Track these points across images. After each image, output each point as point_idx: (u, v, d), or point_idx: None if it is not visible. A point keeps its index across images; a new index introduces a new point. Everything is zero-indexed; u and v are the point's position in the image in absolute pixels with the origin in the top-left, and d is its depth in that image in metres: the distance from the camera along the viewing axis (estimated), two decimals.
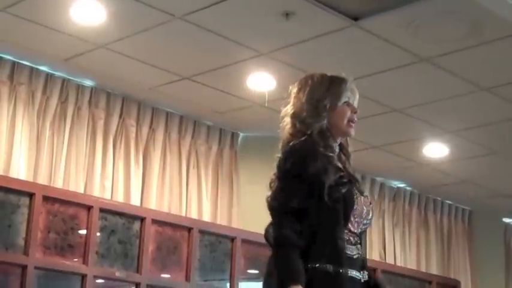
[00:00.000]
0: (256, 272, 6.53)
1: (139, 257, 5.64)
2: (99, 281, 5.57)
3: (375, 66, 6.00)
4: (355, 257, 2.92)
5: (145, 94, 6.71)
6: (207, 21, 5.41)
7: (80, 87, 6.52)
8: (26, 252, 5.11)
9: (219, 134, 7.42)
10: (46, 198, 5.27)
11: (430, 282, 8.08)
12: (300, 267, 2.76)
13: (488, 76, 6.12)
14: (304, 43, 5.64)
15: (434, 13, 5.14)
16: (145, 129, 6.89)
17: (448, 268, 9.27)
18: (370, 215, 3.03)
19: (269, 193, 3.07)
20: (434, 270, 8.96)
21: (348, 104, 3.08)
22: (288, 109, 3.12)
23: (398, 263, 8.53)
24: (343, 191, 2.91)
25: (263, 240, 6.86)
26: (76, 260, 5.36)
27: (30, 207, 5.17)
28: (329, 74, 3.12)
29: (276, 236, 2.87)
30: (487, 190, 8.94)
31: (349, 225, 2.93)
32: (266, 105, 6.57)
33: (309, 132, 2.99)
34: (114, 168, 6.62)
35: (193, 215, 6.94)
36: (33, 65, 6.23)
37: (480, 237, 9.72)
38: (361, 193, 3.03)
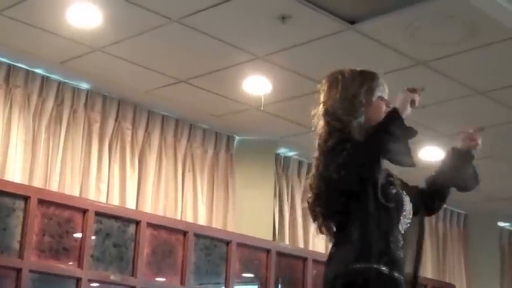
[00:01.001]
0: (251, 275, 6.52)
1: (135, 261, 5.62)
2: (94, 284, 5.55)
3: (371, 69, 5.99)
4: (400, 259, 2.85)
5: (141, 97, 6.71)
6: (203, 25, 5.40)
7: (75, 90, 6.51)
8: (20, 255, 5.09)
9: (214, 137, 7.42)
10: (41, 202, 5.24)
11: (425, 286, 8.06)
12: None
13: (484, 80, 6.13)
14: (300, 47, 5.64)
15: (430, 17, 5.15)
16: (141, 133, 6.89)
17: (443, 272, 9.27)
18: (411, 213, 2.97)
19: (310, 194, 2.94)
20: (429, 274, 8.95)
21: (381, 98, 3.03)
22: (320, 107, 3.03)
23: None
24: (394, 191, 2.87)
25: (258, 244, 6.88)
26: (71, 263, 5.34)
27: (25, 210, 5.15)
28: (358, 69, 3.08)
29: (376, 135, 2.77)
30: (483, 194, 8.93)
31: (399, 226, 2.88)
32: (262, 108, 6.57)
33: (347, 129, 2.90)
34: (110, 172, 6.61)
35: (189, 218, 6.93)
36: (29, 68, 6.22)
37: (475, 241, 9.72)
38: (405, 192, 2.97)
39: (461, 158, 3.14)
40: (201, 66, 6.09)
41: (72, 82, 6.46)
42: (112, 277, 5.50)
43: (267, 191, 7.61)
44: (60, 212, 5.34)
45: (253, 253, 6.40)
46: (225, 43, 5.64)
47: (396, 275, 2.77)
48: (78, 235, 5.40)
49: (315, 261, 6.82)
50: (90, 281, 5.42)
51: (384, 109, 2.99)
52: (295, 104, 6.69)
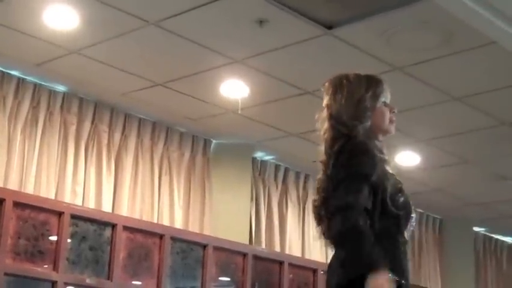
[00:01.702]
0: (228, 279, 6.52)
1: (110, 264, 5.60)
2: (70, 287, 5.53)
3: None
4: (409, 268, 2.85)
5: (117, 100, 6.69)
6: (180, 28, 5.40)
7: (52, 93, 6.48)
8: None
9: (191, 140, 7.41)
10: (16, 204, 5.22)
11: None
12: (381, 255, 2.64)
13: (460, 85, 6.17)
14: (278, 51, 5.65)
15: (407, 23, 5.18)
16: (117, 135, 6.87)
17: (418, 276, 9.31)
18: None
19: (317, 197, 2.92)
20: None
21: (385, 104, 3.02)
22: (324, 111, 3.00)
23: None
24: (402, 198, 2.85)
25: (235, 248, 6.88)
26: (46, 266, 5.32)
27: (1, 213, 5.12)
28: (362, 73, 3.07)
29: (347, 230, 2.65)
30: (458, 199, 9.01)
31: (405, 232, 2.86)
32: (239, 112, 6.58)
33: (352, 134, 2.88)
34: (86, 174, 6.59)
35: (165, 221, 6.92)
36: (5, 70, 6.18)
37: (450, 245, 9.78)
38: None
39: None
40: (178, 70, 6.08)
41: (48, 84, 6.43)
42: (88, 280, 5.48)
43: (243, 194, 7.62)
44: (36, 214, 5.32)
45: (230, 257, 6.41)
46: (203, 46, 5.64)
47: (404, 282, 2.75)
48: (54, 238, 5.38)
49: (291, 264, 6.84)
50: (66, 284, 5.40)
51: (388, 115, 3.01)
52: (272, 108, 6.71)
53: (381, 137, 3.00)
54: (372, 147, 2.85)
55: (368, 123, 2.92)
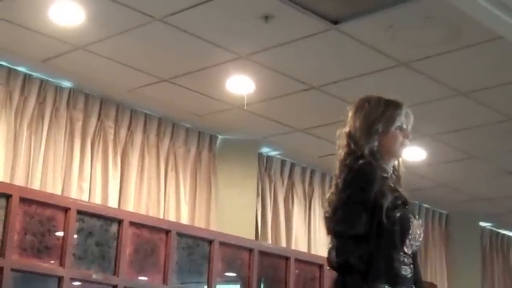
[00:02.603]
0: (234, 274, 6.52)
1: (117, 260, 5.61)
2: (76, 283, 5.53)
3: (353, 69, 6.02)
4: (409, 276, 3.03)
5: (123, 96, 6.69)
6: (186, 24, 5.40)
7: (58, 89, 6.49)
8: (2, 254, 5.07)
9: (197, 136, 7.41)
10: (23, 200, 5.22)
11: None
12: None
13: (466, 81, 6.16)
14: (283, 46, 5.65)
15: (413, 17, 5.17)
16: (123, 131, 6.87)
17: (424, 271, 9.30)
18: (421, 236, 3.15)
19: (328, 209, 3.10)
20: None
21: (400, 128, 3.19)
22: (344, 129, 3.20)
23: None
24: (399, 214, 3.00)
25: (241, 243, 6.88)
26: (53, 262, 5.32)
27: (7, 208, 5.13)
28: (386, 97, 3.23)
29: (342, 263, 2.93)
30: (464, 194, 8.99)
31: (404, 247, 3.04)
32: (245, 108, 6.58)
33: (359, 153, 3.08)
34: (92, 170, 6.60)
35: (171, 217, 6.93)
36: (11, 66, 6.19)
37: (457, 240, 9.77)
38: (414, 215, 3.13)
39: None
40: (184, 65, 6.08)
41: (54, 80, 6.44)
42: (94, 276, 5.49)
43: (249, 190, 7.62)
44: (42, 210, 5.32)
45: (236, 252, 6.40)
46: (208, 42, 5.64)
47: None
48: (60, 234, 5.38)
49: (298, 260, 6.83)
50: (72, 279, 5.41)
51: (400, 140, 3.18)
52: (278, 103, 6.71)
53: (391, 161, 3.20)
54: (374, 168, 3.04)
55: (375, 144, 3.11)
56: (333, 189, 3.11)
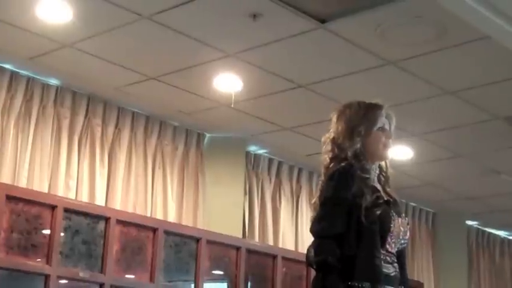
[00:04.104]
0: (221, 273, 6.52)
1: (104, 258, 5.60)
2: (63, 281, 5.52)
3: (341, 68, 6.03)
4: (392, 274, 3.08)
5: (111, 94, 6.68)
6: (174, 22, 5.40)
7: (45, 86, 6.47)
8: None
9: (185, 134, 7.41)
10: (10, 198, 5.21)
11: None
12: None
13: (453, 80, 6.18)
14: (271, 45, 5.65)
15: (400, 17, 5.18)
16: (111, 129, 6.86)
17: (411, 269, 9.33)
18: (407, 235, 3.19)
19: (314, 213, 3.20)
20: None
21: (382, 129, 3.26)
22: (328, 135, 3.28)
23: None
24: (378, 212, 3.05)
25: (228, 241, 6.88)
26: (39, 260, 5.31)
27: None
28: (367, 102, 3.31)
29: (319, 262, 3.00)
30: (451, 193, 9.03)
31: (387, 245, 3.09)
32: (232, 106, 6.58)
33: (343, 156, 3.16)
34: (79, 168, 6.58)
35: (159, 215, 6.93)
36: None
37: (443, 239, 9.80)
38: (399, 214, 3.18)
39: None
40: (171, 63, 6.08)
41: (41, 78, 6.42)
42: (81, 274, 5.48)
43: (237, 188, 7.62)
44: (29, 208, 5.31)
45: (223, 250, 6.41)
46: (196, 40, 5.63)
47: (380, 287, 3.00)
48: (47, 232, 5.37)
49: (285, 258, 6.84)
50: (59, 277, 5.40)
51: (383, 140, 3.25)
52: (266, 101, 6.71)
53: (376, 161, 3.26)
54: (354, 169, 3.11)
55: (357, 146, 3.18)
56: (318, 194, 3.18)
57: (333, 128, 3.28)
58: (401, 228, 3.14)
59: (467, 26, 5.22)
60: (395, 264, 3.11)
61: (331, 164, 3.17)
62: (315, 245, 3.04)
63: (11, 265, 5.18)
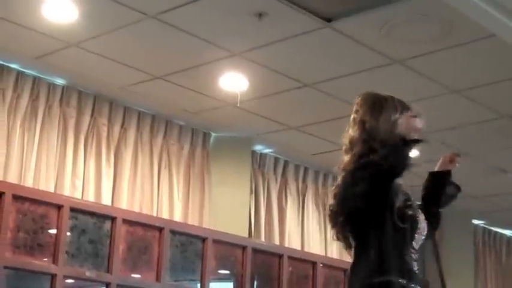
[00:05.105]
0: (227, 272, 6.53)
1: (110, 257, 5.61)
2: (69, 280, 5.53)
3: (347, 67, 6.02)
4: (417, 272, 3.06)
5: (117, 93, 6.69)
6: (179, 21, 5.40)
7: (51, 86, 6.48)
8: None
9: (191, 134, 7.41)
10: (16, 197, 5.22)
11: None
12: None
13: (458, 78, 6.17)
14: (277, 44, 5.65)
15: (406, 15, 5.17)
16: (116, 128, 6.86)
17: None
18: (426, 229, 3.19)
19: (333, 202, 3.08)
20: None
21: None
22: (358, 124, 3.13)
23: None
24: (410, 212, 3.05)
25: (234, 241, 6.88)
26: (46, 259, 5.32)
27: (0, 206, 5.12)
28: (396, 97, 3.22)
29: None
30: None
31: (413, 242, 3.08)
32: (238, 105, 6.57)
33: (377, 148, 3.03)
34: (85, 167, 6.59)
35: (165, 215, 6.93)
36: (4, 63, 6.18)
37: (450, 238, 9.77)
38: (418, 210, 3.18)
39: (440, 181, 3.46)
40: (177, 63, 6.08)
41: (47, 77, 6.43)
42: (87, 273, 5.49)
43: (243, 187, 7.62)
44: (35, 208, 5.32)
45: (229, 250, 6.41)
46: (202, 40, 5.63)
47: (413, 285, 2.97)
48: (53, 231, 5.38)
49: (291, 257, 6.85)
50: (65, 277, 5.41)
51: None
52: (272, 101, 6.71)
53: None
54: None
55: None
56: (338, 182, 3.06)
57: (365, 118, 3.12)
58: (423, 224, 3.15)
59: (473, 24, 5.22)
60: (418, 261, 3.10)
61: (365, 158, 3.01)
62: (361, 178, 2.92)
63: (18, 264, 5.19)
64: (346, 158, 3.08)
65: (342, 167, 3.08)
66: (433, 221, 3.35)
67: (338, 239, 3.15)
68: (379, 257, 2.91)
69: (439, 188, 3.52)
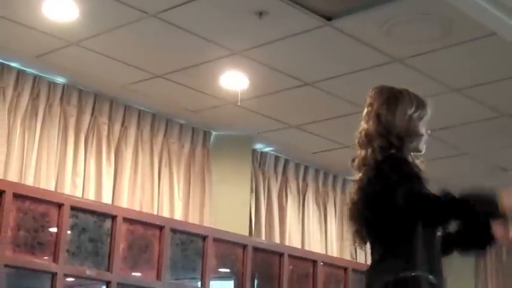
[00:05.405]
0: (227, 270, 6.53)
1: (110, 256, 5.62)
2: (70, 279, 5.54)
3: (347, 66, 6.02)
4: (442, 268, 3.03)
5: (117, 92, 6.69)
6: (180, 20, 5.40)
7: (51, 84, 6.48)
8: None
9: (191, 132, 7.41)
10: (16, 196, 5.22)
11: None
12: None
13: (459, 77, 6.17)
14: (277, 42, 5.65)
15: (407, 14, 5.18)
16: (117, 127, 6.87)
17: None
18: None
19: (355, 196, 3.02)
20: None
21: (426, 131, 3.16)
22: (373, 117, 3.09)
23: (370, 262, 8.54)
24: None
25: (234, 239, 6.88)
26: (46, 258, 5.33)
27: (1, 204, 5.13)
28: (411, 91, 3.20)
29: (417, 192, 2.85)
30: (457, 191, 8.99)
31: (436, 238, 3.02)
32: (239, 104, 6.58)
33: (400, 148, 3.03)
34: (86, 166, 6.59)
35: (165, 213, 6.93)
36: (4, 62, 6.18)
37: None
38: None
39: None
40: (177, 61, 6.08)
41: (47, 76, 6.43)
42: (88, 272, 5.49)
43: (243, 186, 7.62)
44: (36, 206, 5.33)
45: (230, 248, 6.42)
46: (202, 38, 5.63)
47: (439, 281, 2.97)
48: (54, 230, 5.39)
49: (291, 256, 6.85)
50: (66, 275, 5.42)
51: (426, 138, 3.18)
52: (272, 99, 6.71)
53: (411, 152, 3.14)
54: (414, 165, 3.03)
55: (413, 144, 3.10)
56: (361, 176, 3.02)
57: (380, 111, 3.08)
58: None
59: (474, 23, 5.22)
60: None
61: (384, 152, 2.99)
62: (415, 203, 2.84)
63: (18, 263, 5.19)
64: (363, 152, 3.04)
65: (360, 161, 3.04)
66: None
67: (357, 233, 3.09)
68: (409, 253, 2.88)
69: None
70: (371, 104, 3.14)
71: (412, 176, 2.93)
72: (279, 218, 7.98)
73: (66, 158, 6.45)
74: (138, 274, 5.85)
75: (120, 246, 5.69)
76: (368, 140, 3.04)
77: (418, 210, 2.85)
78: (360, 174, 3.03)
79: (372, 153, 3.00)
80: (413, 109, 3.11)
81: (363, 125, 3.10)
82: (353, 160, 3.09)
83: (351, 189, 3.08)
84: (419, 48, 5.67)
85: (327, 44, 5.67)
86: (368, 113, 3.11)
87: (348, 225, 3.12)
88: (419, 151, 3.17)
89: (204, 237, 6.23)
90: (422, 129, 3.14)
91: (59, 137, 6.46)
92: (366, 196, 2.98)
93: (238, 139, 7.62)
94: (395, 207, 2.84)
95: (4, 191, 5.17)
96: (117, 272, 5.63)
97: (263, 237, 7.67)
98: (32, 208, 5.31)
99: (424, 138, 3.15)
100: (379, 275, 2.96)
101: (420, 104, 3.15)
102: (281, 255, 6.76)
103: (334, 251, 8.31)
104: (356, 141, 3.09)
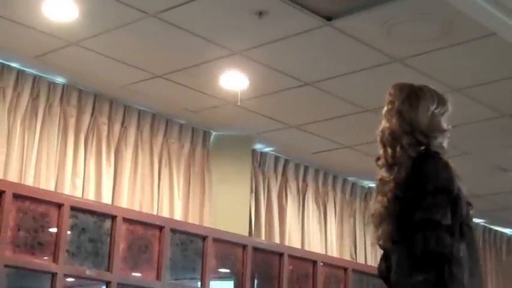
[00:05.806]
0: (227, 271, 6.53)
1: (110, 256, 5.61)
2: (70, 279, 5.54)
3: (347, 66, 6.02)
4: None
5: (117, 92, 6.69)
6: (180, 20, 5.39)
7: (51, 85, 6.47)
8: None
9: (191, 132, 7.41)
10: (16, 196, 5.22)
11: None
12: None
13: (459, 77, 6.16)
14: (277, 42, 5.64)
15: (407, 14, 5.17)
16: (117, 127, 6.86)
17: None
18: None
19: (382, 198, 2.90)
20: None
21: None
22: (395, 115, 3.03)
23: (369, 262, 8.57)
24: (471, 208, 2.98)
25: (234, 239, 6.86)
26: (46, 258, 5.33)
27: (0, 205, 5.13)
28: (431, 87, 3.19)
29: (438, 253, 2.71)
30: None
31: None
32: (239, 104, 6.57)
33: (429, 144, 2.99)
34: (86, 166, 6.59)
35: (165, 213, 6.93)
36: (4, 62, 6.18)
37: None
38: None
39: None
40: (177, 61, 6.08)
41: (47, 76, 6.43)
42: (87, 272, 5.49)
43: (243, 186, 7.62)
44: (36, 206, 5.33)
45: (230, 248, 6.42)
46: (202, 38, 5.63)
47: None
48: (54, 230, 5.38)
49: (291, 256, 6.85)
50: (66, 276, 5.42)
51: (448, 134, 3.13)
52: (272, 99, 6.71)
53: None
54: (448, 162, 2.96)
55: (439, 140, 3.06)
56: (386, 176, 2.92)
57: (402, 108, 3.04)
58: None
59: (474, 23, 5.21)
60: None
61: (415, 150, 2.92)
62: (428, 235, 2.72)
63: (18, 263, 5.19)
64: (390, 150, 2.94)
65: (388, 160, 2.94)
66: None
67: (384, 235, 2.89)
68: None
69: None
70: (392, 102, 3.08)
71: (445, 190, 2.83)
72: (279, 218, 7.97)
73: (66, 158, 6.45)
74: (138, 274, 5.84)
75: (120, 246, 5.69)
76: (394, 138, 2.97)
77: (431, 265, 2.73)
78: (390, 174, 2.92)
79: (401, 151, 2.93)
80: (434, 105, 3.09)
81: (384, 123, 3.02)
82: (378, 159, 3.00)
83: (380, 187, 2.94)
84: (419, 48, 5.67)
85: (327, 44, 5.67)
86: (389, 110, 3.05)
87: (378, 223, 2.91)
88: (443, 147, 3.10)
89: (204, 238, 6.23)
90: (445, 124, 3.11)
91: (59, 137, 6.46)
92: (403, 198, 2.86)
93: (238, 139, 7.62)
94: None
95: (4, 191, 5.17)
96: (117, 272, 5.63)
97: (263, 238, 7.67)
98: (32, 208, 5.31)
99: (447, 134, 3.12)
100: (405, 280, 2.81)
101: (441, 100, 3.14)
102: (281, 255, 6.76)
103: (334, 251, 8.31)
104: (378, 139, 3.01)
